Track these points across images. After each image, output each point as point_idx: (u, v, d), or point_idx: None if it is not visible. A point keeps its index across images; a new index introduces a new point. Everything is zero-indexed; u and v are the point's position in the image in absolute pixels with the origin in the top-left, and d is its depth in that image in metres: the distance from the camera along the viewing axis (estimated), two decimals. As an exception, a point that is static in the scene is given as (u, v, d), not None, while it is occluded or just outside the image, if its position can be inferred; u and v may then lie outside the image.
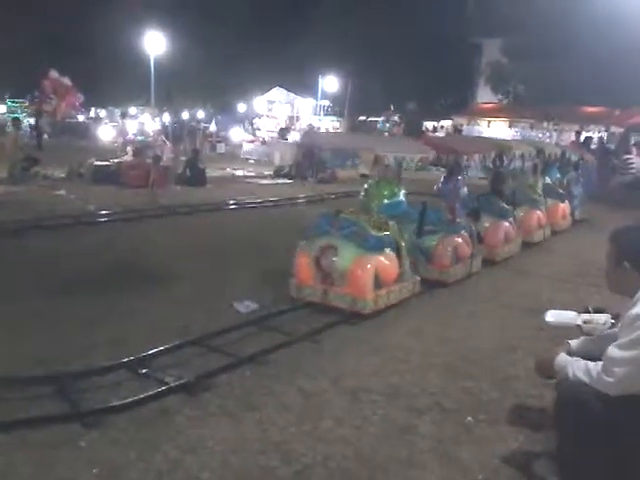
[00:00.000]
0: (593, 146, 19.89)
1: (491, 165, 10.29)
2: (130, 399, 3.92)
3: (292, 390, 4.19)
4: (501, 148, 9.80)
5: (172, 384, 4.15)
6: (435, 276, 7.15)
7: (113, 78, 36.53)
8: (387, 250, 6.13)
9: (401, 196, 6.90)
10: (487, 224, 8.62)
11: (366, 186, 7.05)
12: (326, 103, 32.97)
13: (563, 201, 11.75)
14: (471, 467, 3.35)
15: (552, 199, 11.30)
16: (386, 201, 6.71)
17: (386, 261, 6.05)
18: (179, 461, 3.30)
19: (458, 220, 7.64)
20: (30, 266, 7.36)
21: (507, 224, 8.90)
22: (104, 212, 11.07)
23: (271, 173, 20.92)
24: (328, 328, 5.53)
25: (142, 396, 3.96)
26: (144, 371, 4.39)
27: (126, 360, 4.49)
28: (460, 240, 7.45)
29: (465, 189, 8.76)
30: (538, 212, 10.25)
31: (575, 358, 3.02)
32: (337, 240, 6.00)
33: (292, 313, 5.93)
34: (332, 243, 5.99)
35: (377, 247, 6.03)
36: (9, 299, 5.92)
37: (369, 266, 5.84)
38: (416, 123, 34.55)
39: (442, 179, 8.71)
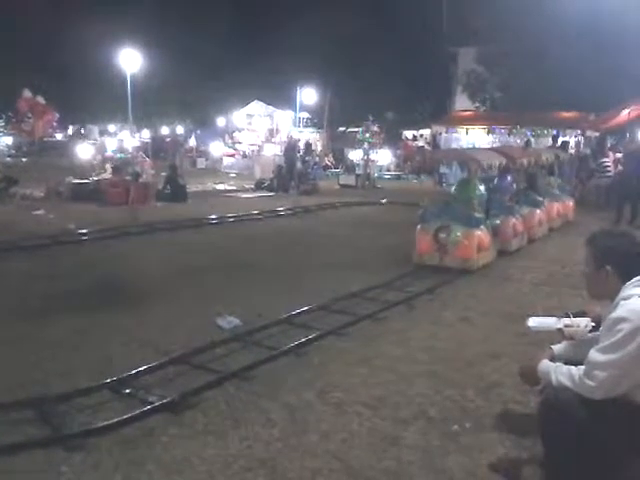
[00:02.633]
0: (570, 150, 20.17)
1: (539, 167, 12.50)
2: (114, 420, 3.87)
3: (277, 405, 4.16)
4: (537, 155, 11.97)
5: (156, 403, 4.10)
6: (499, 247, 9.46)
7: (90, 96, 36.27)
8: (482, 227, 8.85)
9: (482, 190, 9.53)
10: (526, 211, 10.74)
11: (457, 185, 9.69)
12: (305, 115, 33.03)
13: (573, 196, 14.16)
14: (458, 476, 3.34)
15: (565, 195, 13.47)
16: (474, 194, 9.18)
17: (482, 234, 8.78)
18: (165, 482, 3.26)
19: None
20: (9, 287, 7.27)
21: (540, 212, 11.27)
22: (84, 231, 10.97)
23: (252, 186, 20.92)
24: (314, 341, 5.51)
25: (126, 417, 3.91)
26: (127, 391, 4.34)
27: (109, 380, 4.43)
28: (515, 221, 10.00)
29: (514, 185, 10.85)
30: (557, 204, 12.51)
31: (558, 364, 3.04)
32: (449, 221, 8.67)
33: (276, 327, 5.90)
34: (445, 223, 8.63)
35: (477, 225, 8.75)
36: (-12, 322, 5.84)
37: (474, 237, 8.55)
38: (395, 132, 34.78)
39: (497, 177, 10.69)
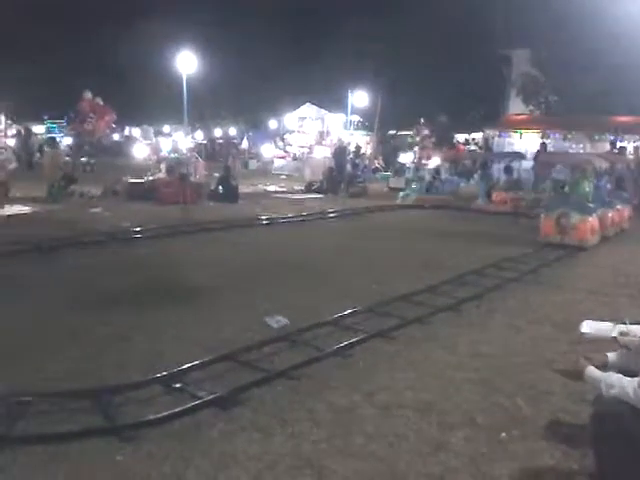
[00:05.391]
0: (629, 156, 19.57)
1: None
2: (164, 413, 3.96)
3: (324, 405, 4.18)
4: (628, 161, 14.59)
5: (205, 398, 4.18)
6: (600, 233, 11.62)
7: (147, 97, 37.35)
8: (594, 215, 11.20)
9: (591, 187, 11.90)
10: (619, 207, 12.94)
11: (569, 182, 12.34)
12: (356, 118, 32.97)
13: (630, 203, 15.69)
14: (506, 484, 3.29)
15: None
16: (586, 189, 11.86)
17: (594, 221, 11.12)
18: (212, 476, 3.32)
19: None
20: (67, 282, 7.52)
21: (628, 208, 13.67)
22: (138, 229, 11.26)
23: (302, 188, 21.03)
24: (361, 343, 5.51)
25: (176, 410, 4.00)
26: (178, 386, 4.44)
27: (160, 375, 4.54)
28: (614, 213, 12.42)
29: (608, 185, 13.28)
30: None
31: (608, 373, 2.96)
32: (569, 209, 11.02)
33: (324, 328, 5.92)
34: (566, 211, 10.96)
35: (590, 213, 11.12)
36: (46, 315, 6.08)
37: (588, 223, 10.92)
38: (447, 136, 34.39)
39: (596, 180, 12.59)
